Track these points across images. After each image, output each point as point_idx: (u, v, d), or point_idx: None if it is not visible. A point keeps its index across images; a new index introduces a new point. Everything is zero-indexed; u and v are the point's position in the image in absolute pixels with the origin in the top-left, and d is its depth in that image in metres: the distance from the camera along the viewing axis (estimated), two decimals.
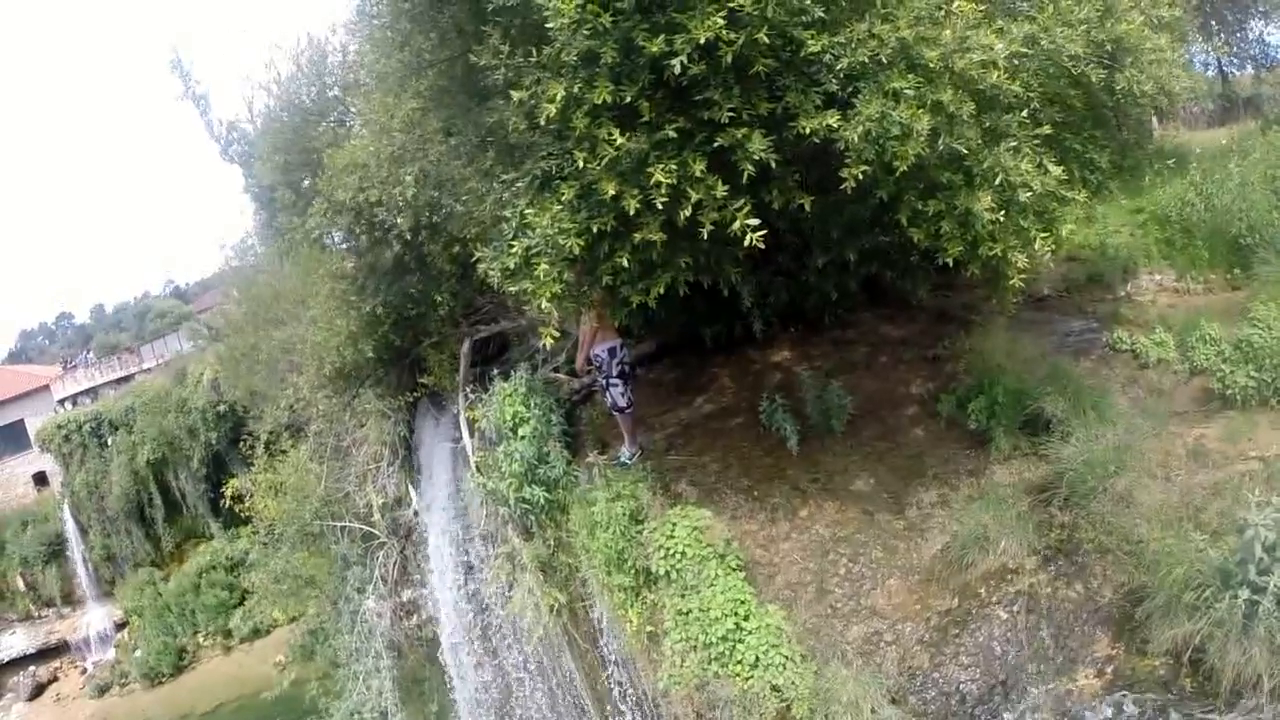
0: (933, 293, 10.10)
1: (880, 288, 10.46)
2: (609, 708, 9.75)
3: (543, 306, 6.37)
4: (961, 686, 7.11)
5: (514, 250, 6.25)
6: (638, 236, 6.12)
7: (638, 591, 8.38)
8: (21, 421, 43.01)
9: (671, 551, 8.04)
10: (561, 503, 9.41)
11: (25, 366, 60.01)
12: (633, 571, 8.35)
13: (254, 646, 33.53)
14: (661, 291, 6.78)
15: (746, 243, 5.97)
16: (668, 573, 8.02)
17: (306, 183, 11.64)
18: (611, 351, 9.18)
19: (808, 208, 6.54)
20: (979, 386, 9.07)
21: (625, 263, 6.33)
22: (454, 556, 11.74)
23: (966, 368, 9.55)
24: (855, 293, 10.14)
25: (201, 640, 35.07)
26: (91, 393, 44.63)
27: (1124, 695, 6.42)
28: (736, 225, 5.95)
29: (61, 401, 44.22)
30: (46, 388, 44.94)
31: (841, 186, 6.08)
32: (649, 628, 8.30)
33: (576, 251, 6.06)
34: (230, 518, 32.49)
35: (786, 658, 7.34)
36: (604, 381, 9.37)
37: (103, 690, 35.12)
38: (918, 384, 9.86)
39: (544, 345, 7.11)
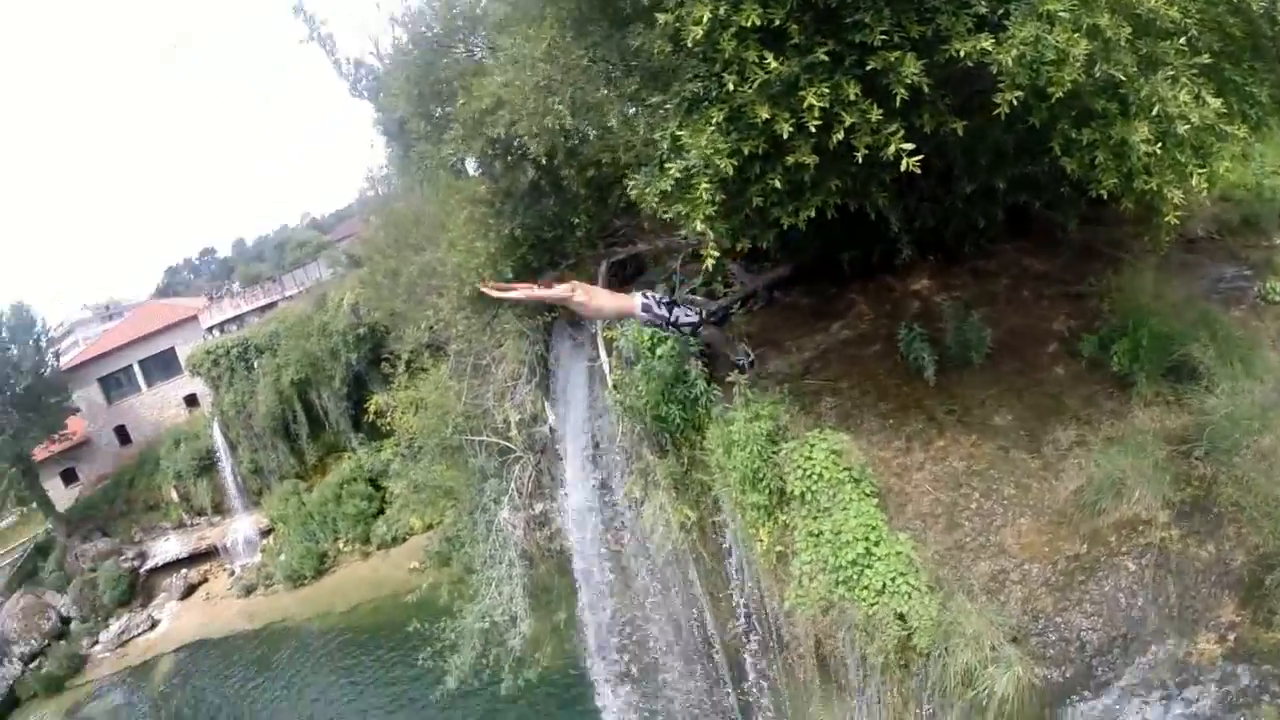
0: (1079, 226, 9.73)
1: (1025, 218, 10.15)
2: (732, 624, 10.03)
3: (697, 228, 6.31)
4: (1082, 634, 7.08)
5: (670, 172, 6.25)
6: (790, 159, 6.11)
7: (770, 511, 8.50)
8: (172, 349, 46.47)
9: (809, 472, 8.10)
10: (697, 421, 9.54)
11: (173, 299, 63.71)
12: (767, 491, 8.46)
13: (390, 553, 35.13)
14: (811, 214, 6.78)
15: (902, 167, 5.92)
16: (802, 494, 8.10)
17: (439, 112, 11.87)
18: (646, 309, 8.73)
19: (960, 133, 6.42)
20: (1124, 328, 8.74)
21: (777, 184, 6.36)
22: (587, 471, 12.13)
23: (1112, 307, 9.20)
24: (999, 221, 9.85)
25: (341, 546, 36.84)
26: (237, 320, 47.28)
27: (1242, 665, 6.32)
28: (891, 149, 5.91)
29: (209, 329, 47.10)
30: (194, 318, 47.92)
31: (995, 112, 5.91)
32: (779, 547, 8.46)
33: (730, 173, 6.06)
34: (370, 432, 34.14)
35: (913, 587, 7.36)
36: (670, 327, 8.93)
37: (248, 590, 37.44)
38: (1060, 320, 9.58)
39: (705, 267, 7.07)
